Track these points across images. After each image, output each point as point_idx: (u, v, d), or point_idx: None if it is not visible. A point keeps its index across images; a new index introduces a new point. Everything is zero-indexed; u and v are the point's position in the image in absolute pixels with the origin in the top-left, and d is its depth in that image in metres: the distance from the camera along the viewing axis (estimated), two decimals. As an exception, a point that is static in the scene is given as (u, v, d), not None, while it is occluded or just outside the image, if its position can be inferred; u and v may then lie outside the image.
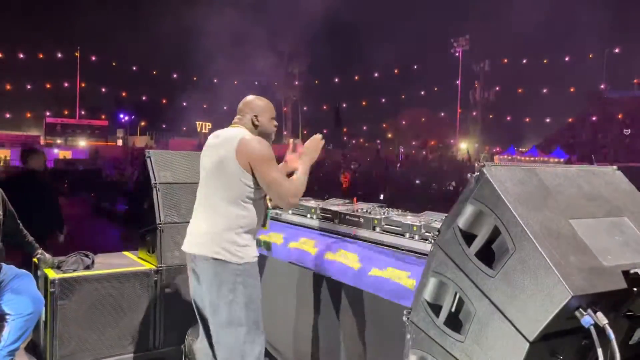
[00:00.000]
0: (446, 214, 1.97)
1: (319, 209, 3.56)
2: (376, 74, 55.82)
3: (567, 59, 48.34)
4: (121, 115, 49.42)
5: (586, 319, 1.56)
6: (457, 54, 48.47)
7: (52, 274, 3.55)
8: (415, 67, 53.91)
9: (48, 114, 48.06)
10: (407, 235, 2.84)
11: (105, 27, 49.15)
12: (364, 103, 55.97)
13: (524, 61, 50.27)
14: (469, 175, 1.90)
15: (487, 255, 1.77)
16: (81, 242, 5.08)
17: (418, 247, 2.76)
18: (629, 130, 37.48)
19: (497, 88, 48.03)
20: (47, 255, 3.70)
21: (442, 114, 52.37)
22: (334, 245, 3.24)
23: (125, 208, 12.69)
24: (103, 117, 51.04)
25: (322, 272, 3.20)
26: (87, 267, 3.71)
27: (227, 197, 2.60)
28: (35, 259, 3.76)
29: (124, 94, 54.05)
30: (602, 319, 1.57)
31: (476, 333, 1.75)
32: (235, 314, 2.56)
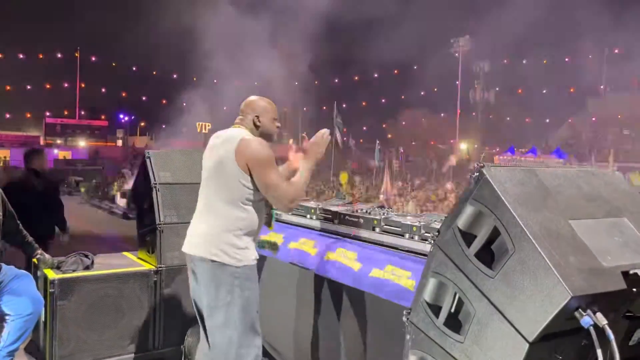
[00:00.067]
0: (446, 215, 1.97)
1: (319, 209, 3.57)
2: (376, 75, 55.84)
3: (566, 59, 48.35)
4: (121, 116, 49.43)
5: (586, 320, 1.57)
6: (456, 54, 48.46)
7: (51, 275, 3.55)
8: (415, 67, 53.94)
9: (48, 114, 48.07)
10: (407, 235, 2.85)
11: (105, 28, 49.13)
12: (363, 103, 55.98)
13: (524, 61, 50.28)
14: (468, 175, 1.90)
15: (487, 256, 1.77)
16: (81, 242, 5.07)
17: (418, 248, 2.76)
18: (629, 131, 37.48)
19: (497, 88, 48.03)
20: (47, 256, 3.69)
21: (442, 115, 52.35)
22: (333, 245, 3.24)
23: (125, 208, 12.69)
24: (103, 117, 51.06)
25: (322, 273, 3.20)
26: (87, 268, 3.71)
27: (226, 199, 2.59)
28: (34, 260, 3.75)
29: (123, 95, 54.06)
30: (601, 320, 1.57)
31: (476, 334, 1.75)
32: (231, 317, 2.55)
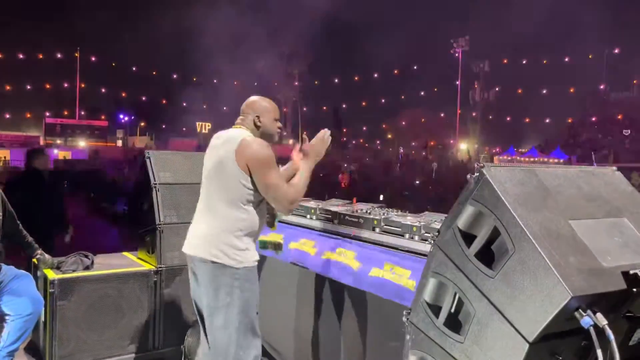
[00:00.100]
0: (446, 215, 1.97)
1: (319, 209, 3.57)
2: (376, 75, 55.87)
3: (567, 59, 48.38)
4: (121, 116, 49.43)
5: (586, 320, 1.56)
6: (456, 55, 48.49)
7: (51, 275, 3.55)
8: (415, 67, 53.96)
9: (48, 114, 48.07)
10: (407, 235, 2.85)
11: (105, 28, 49.19)
12: (363, 103, 56.00)
13: (524, 62, 50.31)
14: (468, 175, 1.90)
15: (487, 256, 1.77)
16: (81, 242, 5.08)
17: (418, 248, 2.76)
18: (629, 131, 37.48)
19: (497, 88, 48.03)
20: (47, 256, 3.69)
21: (442, 115, 52.39)
22: (333, 245, 3.24)
23: (125, 208, 12.68)
24: (103, 117, 51.05)
25: (322, 273, 3.20)
26: (87, 268, 3.71)
27: (227, 199, 2.58)
28: (34, 260, 3.75)
29: (123, 95, 54.07)
30: (601, 320, 1.57)
31: (476, 334, 1.75)
32: (231, 318, 2.54)
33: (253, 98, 2.82)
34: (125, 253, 4.34)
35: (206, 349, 2.73)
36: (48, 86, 51.77)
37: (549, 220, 1.72)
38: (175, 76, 54.33)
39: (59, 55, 51.49)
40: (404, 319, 2.03)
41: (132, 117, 49.51)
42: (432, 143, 47.63)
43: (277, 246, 3.00)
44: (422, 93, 53.65)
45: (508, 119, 49.82)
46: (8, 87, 48.84)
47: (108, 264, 3.87)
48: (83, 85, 52.06)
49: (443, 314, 1.89)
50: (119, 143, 45.20)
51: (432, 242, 1.98)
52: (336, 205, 3.59)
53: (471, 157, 35.02)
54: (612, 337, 1.54)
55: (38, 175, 5.12)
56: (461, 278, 1.81)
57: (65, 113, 50.62)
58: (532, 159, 31.95)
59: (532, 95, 48.82)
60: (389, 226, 2.98)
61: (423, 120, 50.96)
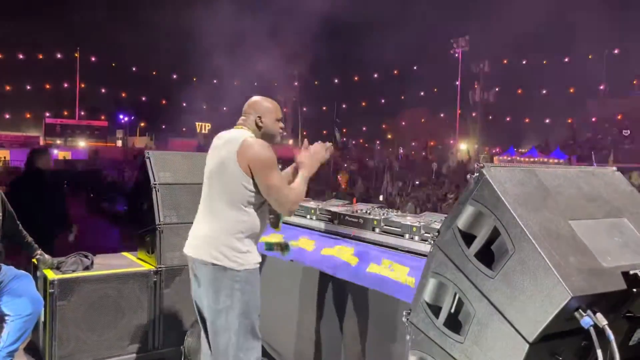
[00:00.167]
0: (446, 215, 1.97)
1: (319, 209, 3.57)
2: (375, 75, 55.85)
3: (566, 59, 48.38)
4: (121, 116, 49.41)
5: (586, 320, 1.56)
6: (456, 55, 48.49)
7: (51, 275, 3.55)
8: (415, 67, 53.95)
9: (47, 114, 48.04)
10: (407, 236, 2.85)
11: (104, 28, 49.17)
12: (363, 104, 55.99)
13: (524, 62, 50.30)
14: (468, 176, 1.90)
15: (487, 256, 1.77)
16: (81, 242, 5.08)
17: (418, 248, 2.76)
18: (629, 131, 37.49)
19: (497, 89, 48.03)
20: (47, 256, 3.69)
21: (442, 115, 52.40)
22: (332, 243, 3.25)
23: (125, 208, 12.68)
24: (102, 117, 51.04)
25: (320, 268, 3.19)
26: (87, 268, 3.71)
27: (228, 201, 2.56)
28: (34, 260, 3.75)
29: (123, 95, 54.06)
30: (601, 320, 1.57)
31: (476, 334, 1.75)
32: (231, 320, 2.52)
33: (255, 98, 2.80)
34: (125, 253, 4.34)
35: (207, 350, 2.72)
36: (48, 86, 51.73)
37: (549, 220, 1.72)
38: (175, 76, 54.34)
39: (58, 56, 51.46)
40: (404, 319, 2.03)
41: (132, 118, 49.48)
42: (432, 143, 47.63)
43: (283, 247, 2.95)
44: (422, 93, 53.65)
45: (508, 119, 49.82)
46: (8, 87, 48.84)
47: (108, 264, 3.87)
48: (83, 86, 52.03)
49: (443, 314, 1.89)
50: (119, 143, 45.16)
51: (432, 242, 1.98)
52: (336, 206, 3.60)
53: (471, 158, 35.02)
54: (612, 337, 1.54)
55: (41, 175, 5.12)
56: (461, 278, 1.81)
57: (65, 113, 50.58)
58: (532, 159, 31.94)
59: (532, 96, 48.83)
60: (389, 226, 2.99)
61: (423, 120, 50.98)
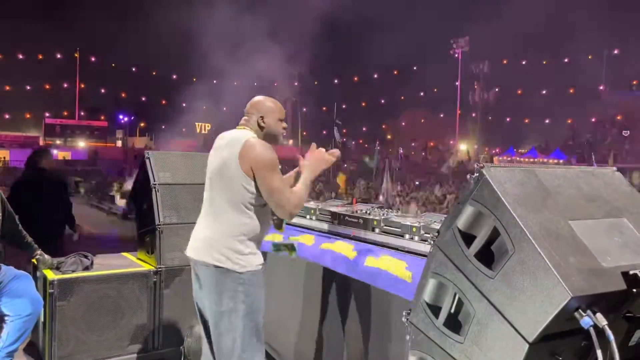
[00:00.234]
0: (445, 215, 1.97)
1: (319, 210, 3.57)
2: (375, 75, 55.87)
3: (566, 60, 48.41)
4: (120, 116, 49.41)
5: (585, 320, 1.56)
6: (456, 55, 48.52)
7: (51, 275, 3.55)
8: (415, 68, 53.97)
9: (47, 114, 48.05)
10: (407, 236, 2.85)
11: (104, 28, 49.15)
12: (363, 104, 56.01)
13: (523, 62, 50.33)
14: (468, 176, 1.90)
15: (487, 256, 1.77)
16: (80, 242, 5.08)
17: (417, 248, 2.76)
18: (628, 132, 37.51)
19: (497, 89, 48.05)
20: (46, 256, 3.69)
21: (442, 115, 52.43)
22: (333, 240, 3.26)
23: (125, 208, 12.69)
24: (102, 118, 51.05)
25: (318, 262, 3.19)
26: (86, 268, 3.71)
27: (229, 202, 2.53)
28: (34, 260, 3.75)
29: (123, 95, 54.07)
30: (601, 320, 1.57)
31: (475, 334, 1.75)
32: (235, 323, 2.50)
33: (257, 98, 2.76)
34: (124, 253, 4.34)
35: (208, 352, 2.70)
36: (48, 87, 51.76)
37: (548, 220, 1.72)
38: (175, 76, 54.34)
39: (58, 56, 51.50)
40: (404, 319, 2.03)
41: (132, 118, 49.49)
42: (431, 144, 47.66)
43: (290, 248, 2.94)
44: (422, 93, 53.69)
45: (508, 119, 49.84)
46: (8, 88, 48.85)
47: (107, 265, 3.87)
48: (82, 86, 52.07)
49: (443, 315, 1.89)
50: (119, 143, 45.19)
51: (432, 242, 1.98)
52: (336, 206, 3.60)
53: (471, 158, 35.04)
54: (612, 337, 1.54)
55: (45, 175, 5.12)
56: (461, 278, 1.81)
57: (65, 113, 50.57)
58: (531, 160, 31.98)
59: (532, 96, 48.84)
60: (389, 226, 2.99)
61: (423, 120, 51.00)
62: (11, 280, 3.31)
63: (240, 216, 2.53)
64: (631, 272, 1.66)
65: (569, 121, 44.89)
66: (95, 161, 29.44)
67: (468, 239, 1.83)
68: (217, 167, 2.60)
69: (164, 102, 53.82)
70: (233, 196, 2.52)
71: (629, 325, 1.82)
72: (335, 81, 56.20)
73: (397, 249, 2.88)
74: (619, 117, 40.97)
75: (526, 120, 48.92)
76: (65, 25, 48.40)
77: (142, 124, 49.71)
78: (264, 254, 2.65)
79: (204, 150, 2.84)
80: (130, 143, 42.19)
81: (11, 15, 46.69)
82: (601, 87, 46.06)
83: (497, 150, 42.55)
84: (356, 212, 3.30)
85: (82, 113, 51.80)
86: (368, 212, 3.27)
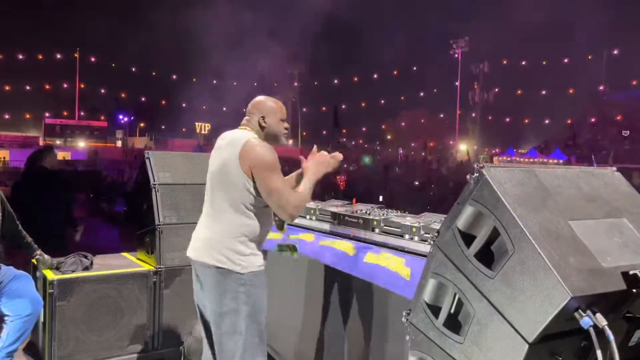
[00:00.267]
0: (445, 215, 1.97)
1: (319, 210, 3.57)
2: (375, 75, 55.91)
3: (566, 60, 48.45)
4: (120, 117, 49.41)
5: (585, 320, 1.56)
6: (456, 56, 48.56)
7: (50, 275, 3.55)
8: (415, 68, 54.01)
9: (47, 114, 48.04)
10: (407, 236, 2.85)
11: (104, 28, 49.17)
12: (363, 104, 56.03)
13: (523, 62, 50.36)
14: (468, 176, 1.90)
15: (487, 257, 1.77)
16: (80, 242, 5.08)
17: (417, 248, 2.76)
18: (628, 132, 37.54)
19: (497, 89, 48.08)
20: (46, 256, 3.69)
21: (442, 116, 52.48)
22: (332, 238, 3.26)
23: (125, 209, 12.68)
24: (102, 118, 51.05)
25: (317, 258, 3.18)
26: (86, 268, 3.71)
27: (230, 203, 2.51)
28: (34, 260, 3.75)
29: (123, 95, 54.07)
30: (601, 320, 1.56)
31: (475, 334, 1.75)
32: (237, 324, 2.49)
33: (259, 98, 2.74)
34: (124, 253, 4.34)
35: (208, 354, 2.69)
36: (47, 87, 51.78)
37: (548, 220, 1.72)
38: (174, 76, 54.37)
39: (58, 56, 51.51)
40: (404, 319, 2.03)
41: (132, 118, 49.48)
42: (431, 144, 47.67)
43: (292, 249, 2.93)
44: (422, 94, 53.73)
45: (507, 119, 49.87)
46: (7, 88, 48.87)
47: (107, 265, 3.87)
48: (82, 86, 52.07)
49: (443, 315, 1.89)
50: (119, 144, 45.19)
51: (432, 242, 1.98)
52: (335, 206, 3.60)
53: (470, 158, 35.05)
54: (611, 337, 1.54)
55: (48, 175, 5.12)
56: (461, 278, 1.81)
57: (65, 114, 50.59)
58: (531, 160, 31.99)
59: (532, 96, 48.88)
60: (389, 227, 2.99)
61: (422, 121, 51.03)
62: (11, 280, 3.31)
63: (241, 217, 2.51)
64: (631, 272, 1.66)
65: (569, 121, 44.91)
66: (95, 161, 29.41)
67: (468, 239, 1.83)
68: (218, 167, 2.59)
69: (164, 102, 53.86)
70: (233, 197, 2.51)
71: (628, 325, 1.81)
72: (335, 81, 56.23)
73: (397, 249, 2.88)
74: (618, 117, 40.98)
75: (526, 121, 48.95)
76: (65, 25, 48.41)
77: (142, 124, 49.73)
78: (264, 252, 2.64)
79: (203, 150, 2.83)
80: (130, 143, 42.21)
81: (11, 15, 46.70)
82: (601, 87, 46.08)
83: (497, 150, 42.59)
84: (356, 212, 3.30)
85: (82, 113, 51.81)
86: (368, 212, 3.27)
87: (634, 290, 1.66)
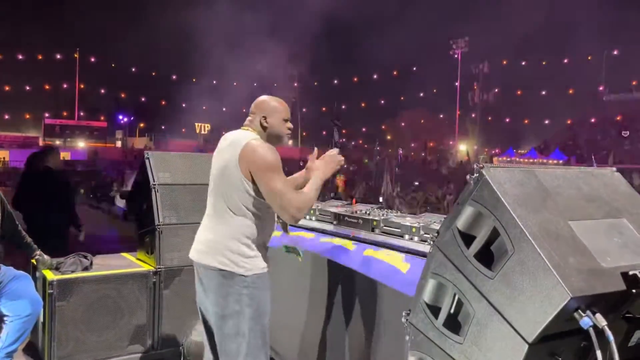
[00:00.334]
0: (445, 216, 1.97)
1: (318, 210, 3.57)
2: (375, 76, 55.92)
3: (565, 60, 48.47)
4: (120, 117, 49.39)
5: (585, 321, 1.56)
6: (456, 56, 48.59)
7: (50, 275, 3.55)
8: (415, 68, 54.01)
9: (47, 115, 48.02)
10: (407, 236, 2.85)
11: (104, 28, 49.15)
12: (363, 104, 56.03)
13: (523, 63, 50.37)
14: (467, 176, 1.90)
15: (486, 257, 1.77)
16: (80, 242, 5.08)
17: (417, 249, 2.76)
18: (628, 132, 37.56)
19: (496, 90, 48.10)
20: (46, 257, 3.69)
21: (441, 116, 52.49)
22: (332, 237, 3.27)
23: (124, 209, 12.68)
24: (102, 118, 51.04)
25: (317, 252, 3.19)
26: (86, 269, 3.71)
27: (232, 205, 2.49)
28: (33, 260, 3.75)
29: (122, 95, 54.06)
30: (601, 321, 1.57)
31: (475, 334, 1.75)
32: (240, 326, 2.46)
33: (262, 98, 2.71)
34: (124, 254, 4.34)
35: (209, 354, 2.67)
36: (47, 87, 51.76)
37: (548, 221, 1.73)
38: (174, 77, 54.36)
39: (58, 56, 51.50)
40: (403, 319, 2.03)
41: (132, 118, 49.46)
42: (431, 144, 47.67)
43: (296, 252, 2.91)
44: (422, 94, 53.73)
45: (507, 120, 49.89)
46: (7, 88, 48.86)
47: (107, 265, 3.87)
48: (82, 86, 52.06)
49: (442, 315, 1.89)
50: (118, 144, 45.16)
51: (432, 243, 1.98)
52: (335, 206, 3.60)
53: (470, 158, 35.05)
54: (611, 337, 1.54)
55: (52, 175, 5.11)
56: (460, 279, 1.81)
57: (65, 114, 50.56)
58: (531, 160, 32.00)
59: (531, 97, 48.89)
60: (389, 227, 2.99)
61: (422, 121, 51.03)
62: (11, 280, 3.31)
63: (243, 219, 2.49)
64: (631, 273, 1.66)
65: (569, 122, 44.93)
66: (94, 161, 29.41)
67: (468, 239, 1.83)
68: (219, 169, 2.56)
69: (163, 102, 53.83)
70: (236, 199, 2.48)
71: (628, 325, 1.82)
72: (335, 81, 56.24)
73: (396, 250, 2.88)
74: (618, 118, 41.00)
75: (526, 121, 48.95)
76: (65, 25, 48.40)
77: (141, 125, 49.70)
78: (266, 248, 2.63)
79: (203, 151, 2.82)
80: (130, 143, 42.19)
81: (11, 15, 46.70)
82: (601, 88, 46.09)
83: (497, 150, 42.60)
84: (356, 212, 3.30)
85: (82, 113, 51.78)
86: (368, 212, 3.27)
87: (634, 291, 1.66)
